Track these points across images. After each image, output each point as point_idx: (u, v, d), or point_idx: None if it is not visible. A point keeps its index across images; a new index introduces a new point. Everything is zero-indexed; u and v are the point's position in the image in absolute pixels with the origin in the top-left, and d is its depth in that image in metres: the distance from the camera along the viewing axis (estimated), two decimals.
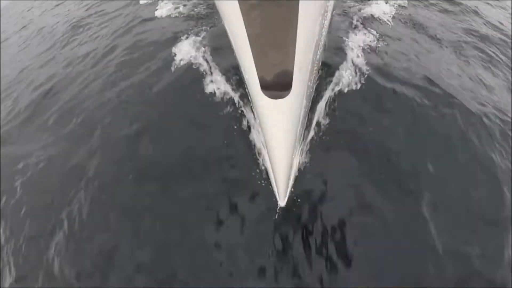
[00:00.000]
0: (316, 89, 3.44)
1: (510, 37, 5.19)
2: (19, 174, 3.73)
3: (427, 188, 2.93)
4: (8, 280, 2.90)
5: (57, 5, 9.84)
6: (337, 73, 3.79)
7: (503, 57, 4.82)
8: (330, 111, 3.37)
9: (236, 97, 3.62)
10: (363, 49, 4.31)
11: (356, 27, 4.88)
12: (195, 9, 6.31)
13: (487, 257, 2.55)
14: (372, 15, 5.30)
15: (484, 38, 5.22)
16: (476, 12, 6.10)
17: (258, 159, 2.97)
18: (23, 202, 3.45)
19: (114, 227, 2.98)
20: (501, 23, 5.88)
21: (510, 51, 4.97)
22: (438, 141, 3.34)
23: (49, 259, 2.89)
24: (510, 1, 6.68)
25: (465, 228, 2.72)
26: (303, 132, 3.01)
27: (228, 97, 3.71)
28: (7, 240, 3.20)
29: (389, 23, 5.16)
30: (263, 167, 2.92)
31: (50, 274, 2.81)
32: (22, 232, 3.18)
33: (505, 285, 2.44)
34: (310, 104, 3.20)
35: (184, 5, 6.49)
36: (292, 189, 2.66)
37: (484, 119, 3.56)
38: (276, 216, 2.65)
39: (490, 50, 4.93)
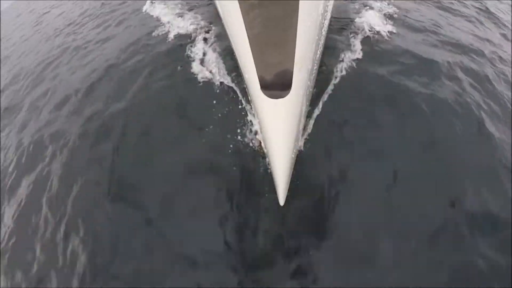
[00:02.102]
0: (315, 88, 3.44)
1: (511, 37, 5.19)
2: None
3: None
4: None
5: None
6: (336, 72, 3.79)
7: None
8: (330, 110, 3.37)
9: (238, 96, 3.62)
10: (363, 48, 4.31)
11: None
12: None
13: None
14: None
15: None
16: None
17: (257, 159, 2.97)
18: None
19: None
20: None
21: None
22: None
23: None
24: (510, 1, 6.68)
25: None
26: (303, 132, 3.01)
27: (230, 96, 3.71)
28: None
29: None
30: (262, 167, 2.92)
31: None
32: None
33: None
34: (309, 103, 3.20)
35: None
36: (292, 189, 2.66)
37: None
38: (276, 215, 2.65)
39: None
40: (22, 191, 3.72)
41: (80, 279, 2.76)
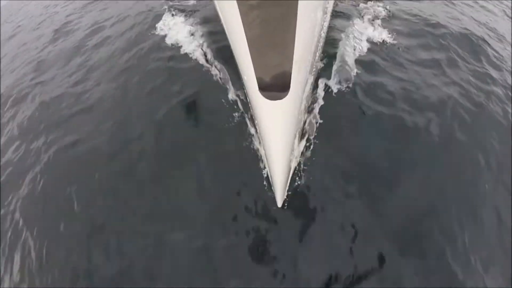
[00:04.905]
0: (314, 90, 3.44)
1: (510, 39, 5.19)
2: None
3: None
4: None
5: None
6: (334, 74, 3.78)
7: None
8: (328, 112, 3.36)
9: (236, 97, 3.62)
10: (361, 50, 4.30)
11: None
12: None
13: None
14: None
15: None
16: None
17: (256, 160, 2.97)
18: None
19: None
20: None
21: None
22: None
23: None
24: (510, 1, 6.67)
25: None
26: (301, 133, 3.01)
27: (229, 98, 3.71)
28: None
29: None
30: (261, 168, 2.92)
31: None
32: None
33: None
34: (308, 105, 3.19)
35: None
36: (289, 191, 2.67)
37: None
38: (273, 217, 2.65)
39: None
40: None
41: None
